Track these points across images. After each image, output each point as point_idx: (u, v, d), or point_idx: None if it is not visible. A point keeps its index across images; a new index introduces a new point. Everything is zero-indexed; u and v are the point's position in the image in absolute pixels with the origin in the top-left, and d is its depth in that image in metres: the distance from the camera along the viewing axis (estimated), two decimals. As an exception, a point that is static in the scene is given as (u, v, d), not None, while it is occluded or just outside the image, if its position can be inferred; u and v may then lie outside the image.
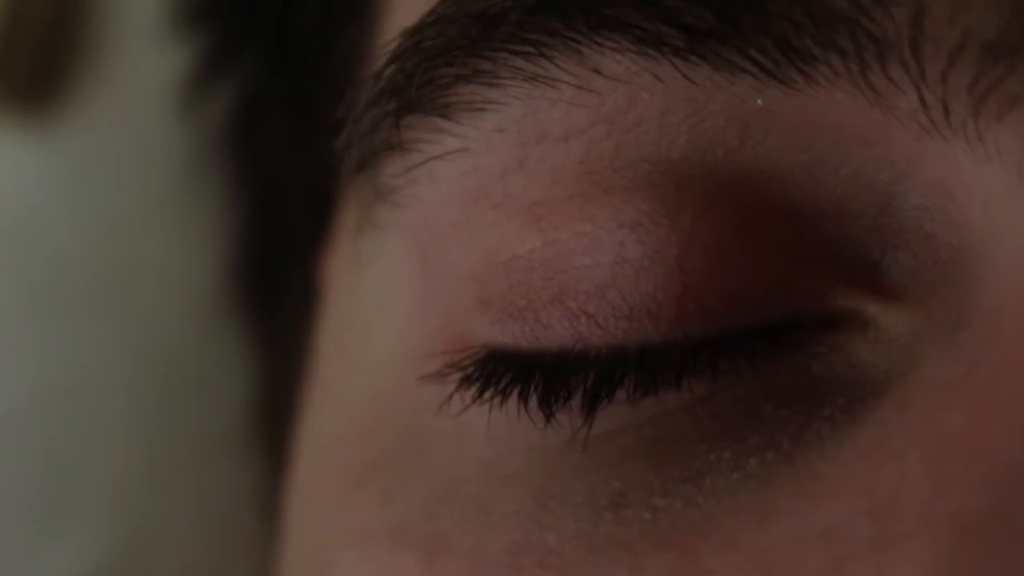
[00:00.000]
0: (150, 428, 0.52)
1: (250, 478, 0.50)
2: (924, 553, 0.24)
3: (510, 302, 0.29)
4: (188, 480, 0.53)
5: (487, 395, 0.29)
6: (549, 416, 0.29)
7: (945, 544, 0.24)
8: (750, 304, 0.28)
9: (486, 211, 0.29)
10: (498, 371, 0.29)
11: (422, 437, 0.30)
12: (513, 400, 0.29)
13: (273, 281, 0.48)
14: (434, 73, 0.28)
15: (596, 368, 0.28)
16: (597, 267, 0.28)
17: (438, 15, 0.28)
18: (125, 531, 0.52)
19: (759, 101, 0.27)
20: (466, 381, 0.29)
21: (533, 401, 0.29)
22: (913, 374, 0.26)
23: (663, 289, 0.28)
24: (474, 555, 0.28)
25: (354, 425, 0.32)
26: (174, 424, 0.53)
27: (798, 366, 0.28)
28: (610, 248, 0.28)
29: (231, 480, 0.52)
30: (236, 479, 0.52)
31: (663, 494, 0.27)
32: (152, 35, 0.50)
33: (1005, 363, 0.24)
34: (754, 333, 0.28)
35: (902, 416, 0.25)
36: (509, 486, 0.29)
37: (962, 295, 0.26)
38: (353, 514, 0.31)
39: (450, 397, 0.30)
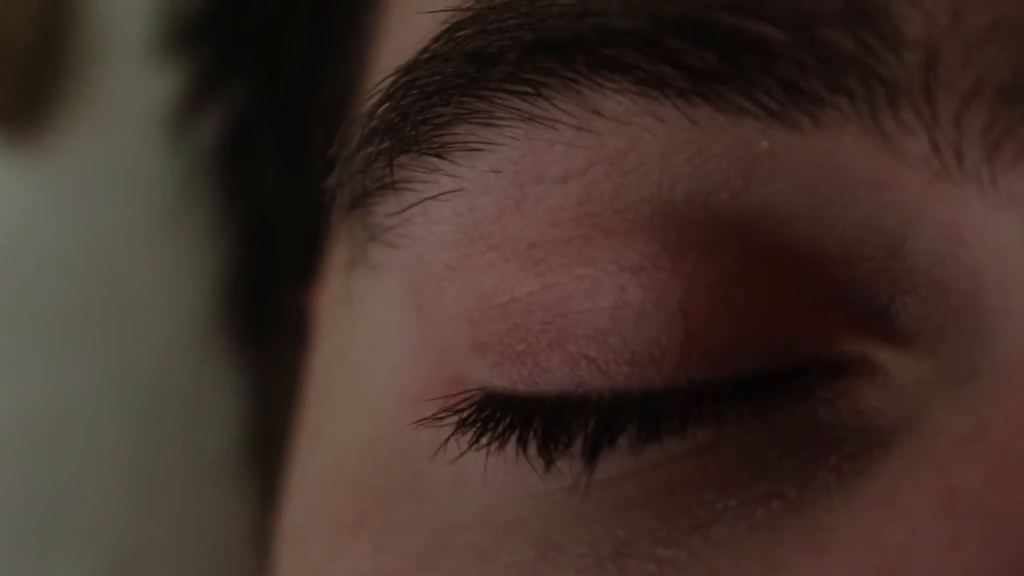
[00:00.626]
0: (136, 456, 0.52)
1: (237, 508, 0.50)
2: None
3: (508, 345, 0.28)
4: (174, 509, 0.52)
5: (484, 440, 0.28)
6: (549, 463, 0.28)
7: None
8: (755, 349, 0.27)
9: (482, 252, 0.29)
10: (495, 415, 0.29)
11: (417, 483, 0.30)
12: (511, 446, 0.28)
13: (262, 310, 0.47)
14: (429, 112, 0.28)
15: (597, 414, 0.28)
16: (598, 311, 0.27)
17: (433, 52, 0.28)
18: (111, 559, 0.52)
19: (764, 143, 0.26)
20: (463, 425, 0.29)
21: (532, 447, 0.28)
22: (924, 425, 0.25)
23: (666, 335, 0.27)
24: None
25: (346, 469, 0.32)
26: (160, 452, 0.52)
27: (804, 413, 0.27)
28: (611, 292, 0.27)
29: (217, 510, 0.52)
30: (222, 509, 0.51)
31: (668, 544, 0.27)
32: (141, 58, 0.50)
33: (1020, 419, 0.24)
34: (759, 379, 0.27)
35: (913, 469, 0.25)
36: (509, 534, 0.28)
37: (974, 344, 0.25)
38: (345, 561, 0.30)
39: (446, 442, 0.29)
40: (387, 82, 0.28)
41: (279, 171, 0.45)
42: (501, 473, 0.29)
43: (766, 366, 0.27)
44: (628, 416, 0.27)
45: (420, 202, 0.29)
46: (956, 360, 0.26)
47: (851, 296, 0.27)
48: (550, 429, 0.28)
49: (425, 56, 0.28)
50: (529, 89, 0.27)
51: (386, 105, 0.28)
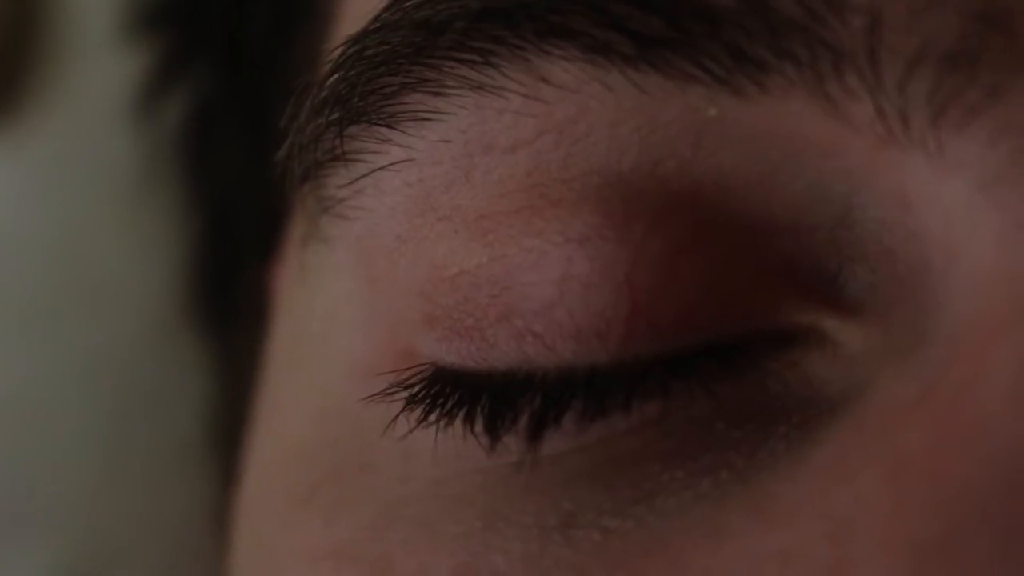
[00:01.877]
0: (103, 440, 0.52)
1: (205, 492, 0.49)
2: None
3: (457, 320, 0.28)
4: (141, 493, 0.52)
5: (432, 417, 0.28)
6: (495, 440, 0.28)
7: (902, 568, 0.23)
8: (702, 321, 0.27)
9: (432, 223, 0.28)
10: (444, 391, 0.29)
11: (367, 457, 0.30)
12: (459, 423, 0.28)
13: (227, 293, 0.47)
14: (378, 82, 0.28)
15: (543, 391, 0.27)
16: (544, 284, 0.27)
17: (382, 22, 0.28)
18: (78, 543, 0.51)
19: (712, 111, 0.26)
20: (412, 401, 0.29)
21: (479, 424, 0.28)
22: (870, 392, 0.25)
23: (612, 307, 0.27)
24: None
25: (299, 442, 0.32)
26: (127, 436, 0.52)
27: (752, 384, 0.27)
28: (557, 264, 0.27)
29: (185, 493, 0.52)
30: (190, 493, 0.51)
31: (614, 514, 0.26)
32: (105, 44, 0.50)
33: (964, 384, 0.24)
34: (707, 352, 0.27)
35: (858, 436, 0.25)
36: (456, 507, 0.28)
37: (921, 312, 0.25)
38: (297, 534, 0.30)
39: (395, 418, 0.29)
40: (336, 52, 0.28)
41: (243, 153, 0.45)
42: (449, 448, 0.29)
43: (713, 337, 0.27)
44: (573, 393, 0.27)
45: (370, 173, 0.29)
46: (903, 328, 0.26)
47: (799, 266, 0.27)
48: (496, 406, 0.28)
49: (374, 26, 0.28)
50: (477, 57, 0.27)
51: (336, 75, 0.28)
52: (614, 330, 0.27)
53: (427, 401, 0.29)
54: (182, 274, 0.50)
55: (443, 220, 0.28)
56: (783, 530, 0.24)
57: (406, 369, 0.29)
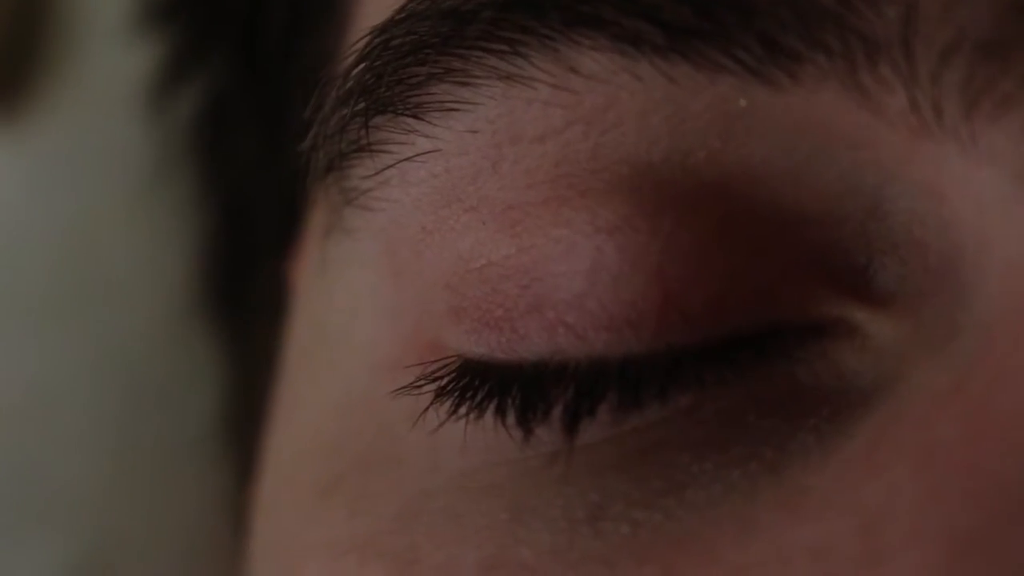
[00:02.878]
0: (114, 435, 0.52)
1: (216, 486, 0.49)
2: (914, 570, 0.23)
3: (485, 311, 0.28)
4: (153, 488, 0.52)
5: (463, 410, 0.28)
6: (528, 432, 0.28)
7: (936, 561, 0.23)
8: (734, 311, 0.27)
9: (459, 215, 0.28)
10: (473, 384, 0.28)
11: (393, 448, 0.30)
12: (490, 415, 0.28)
13: (242, 286, 0.47)
14: (404, 72, 0.27)
15: (576, 382, 0.27)
16: (574, 274, 0.27)
17: (408, 12, 0.27)
18: (89, 539, 0.51)
19: (742, 101, 0.26)
20: (441, 394, 0.29)
21: (511, 416, 0.28)
22: (902, 384, 0.25)
23: (643, 298, 0.27)
24: (446, 569, 0.28)
25: (322, 435, 0.31)
26: (138, 431, 0.52)
27: (783, 374, 0.27)
28: (587, 254, 0.27)
29: (197, 488, 0.52)
30: (202, 487, 0.51)
31: (643, 506, 0.26)
32: (118, 35, 0.50)
33: (999, 375, 0.24)
34: (739, 341, 0.27)
35: (891, 428, 0.24)
36: (483, 498, 0.28)
37: (953, 303, 0.25)
38: (320, 526, 0.30)
39: (425, 411, 0.29)
40: (362, 42, 0.28)
41: (257, 145, 0.45)
42: (479, 440, 0.28)
43: (744, 328, 0.27)
44: (607, 383, 0.27)
45: (396, 164, 0.29)
46: (935, 319, 0.26)
47: (829, 257, 0.27)
48: (528, 398, 0.28)
49: (401, 15, 0.28)
50: (505, 47, 0.27)
51: (361, 66, 0.28)
52: (647, 320, 0.27)
53: (456, 393, 0.28)
54: (195, 268, 0.50)
55: (470, 211, 0.28)
56: (814, 523, 0.24)
57: (434, 361, 0.29)
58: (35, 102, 0.52)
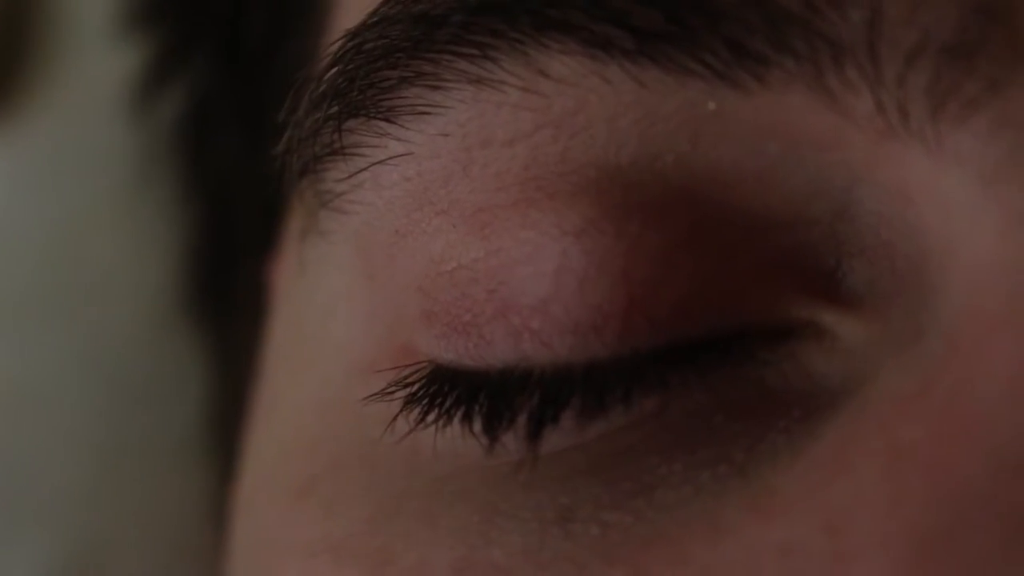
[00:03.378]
0: (100, 434, 0.52)
1: (202, 486, 0.49)
2: (880, 570, 0.23)
3: (455, 316, 0.28)
4: (138, 487, 0.52)
5: (431, 418, 0.28)
6: (493, 440, 0.28)
7: (901, 561, 0.23)
8: (701, 315, 0.27)
9: (431, 218, 0.28)
10: (443, 390, 0.29)
11: (368, 451, 0.30)
12: (457, 423, 0.28)
13: (225, 287, 0.47)
14: (376, 76, 0.28)
15: (541, 389, 0.27)
16: (540, 276, 0.27)
17: (380, 16, 0.28)
18: (76, 538, 0.51)
19: (711, 104, 0.26)
20: (411, 401, 0.29)
21: (477, 424, 0.28)
22: (870, 386, 0.25)
23: (609, 301, 0.27)
24: (419, 570, 0.28)
25: (298, 436, 0.32)
26: (124, 430, 0.52)
27: (751, 377, 0.27)
28: (553, 256, 0.27)
29: (182, 488, 0.51)
30: (187, 487, 0.51)
31: (613, 508, 0.26)
32: (102, 36, 0.50)
33: (963, 378, 0.24)
34: (704, 344, 0.27)
35: (858, 429, 0.25)
36: (456, 502, 0.28)
37: (920, 305, 0.25)
38: (296, 527, 0.30)
39: (395, 419, 0.29)
40: (335, 46, 0.28)
41: (240, 146, 0.45)
42: (448, 447, 0.29)
43: (712, 331, 0.27)
44: (572, 390, 0.27)
45: (369, 167, 0.29)
46: (902, 321, 0.26)
47: (798, 260, 0.27)
48: (494, 405, 0.28)
49: (373, 20, 0.28)
50: (475, 51, 0.27)
51: (334, 69, 0.28)
52: (611, 324, 0.27)
53: (425, 400, 0.29)
54: (178, 268, 0.50)
55: (441, 214, 0.28)
56: (782, 523, 0.24)
57: (406, 366, 0.29)
58: (20, 103, 0.52)
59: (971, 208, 0.24)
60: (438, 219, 0.28)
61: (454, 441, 0.28)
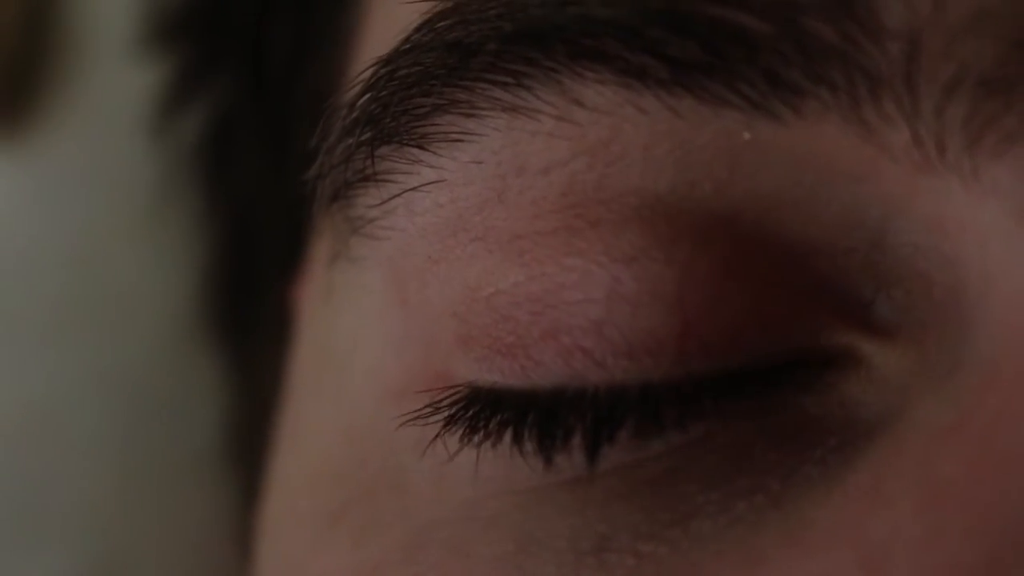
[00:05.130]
0: (119, 451, 0.52)
1: (221, 503, 0.49)
2: None
3: (496, 338, 0.28)
4: (156, 504, 0.52)
5: (477, 439, 0.28)
6: (548, 460, 0.28)
7: None
8: (751, 341, 0.27)
9: (465, 244, 0.28)
10: (485, 412, 0.28)
11: (399, 478, 0.30)
12: (507, 443, 0.28)
13: (246, 307, 0.47)
14: (410, 103, 0.28)
15: (595, 408, 0.27)
16: (591, 303, 0.27)
17: (413, 43, 0.28)
18: (94, 555, 0.51)
19: (746, 134, 0.26)
20: (450, 423, 0.29)
21: (529, 444, 0.28)
22: (906, 418, 0.25)
23: (663, 326, 0.27)
24: None
25: (327, 463, 0.32)
26: (143, 448, 0.52)
27: (791, 405, 0.27)
28: (603, 283, 0.27)
29: (201, 506, 0.51)
30: (206, 505, 0.51)
31: (648, 538, 0.26)
32: (124, 55, 0.50)
33: (1001, 412, 0.24)
34: (754, 372, 0.27)
35: (895, 462, 0.25)
36: (490, 529, 0.28)
37: (957, 337, 0.25)
38: (326, 554, 0.30)
39: (433, 441, 0.29)
40: (368, 72, 0.28)
41: (262, 167, 0.45)
42: (490, 470, 0.28)
43: (760, 357, 0.27)
44: (626, 409, 0.27)
45: (401, 193, 0.29)
46: (939, 352, 0.26)
47: (835, 288, 0.27)
48: (547, 424, 0.28)
49: (406, 47, 0.28)
50: (510, 79, 0.27)
51: (367, 96, 0.28)
52: (666, 348, 0.27)
53: (466, 422, 0.28)
54: (200, 287, 0.50)
55: (476, 240, 0.28)
56: (818, 557, 0.24)
57: (442, 389, 0.29)
58: (42, 120, 0.52)
59: (1008, 241, 0.24)
60: (473, 245, 0.28)
61: (499, 464, 0.28)
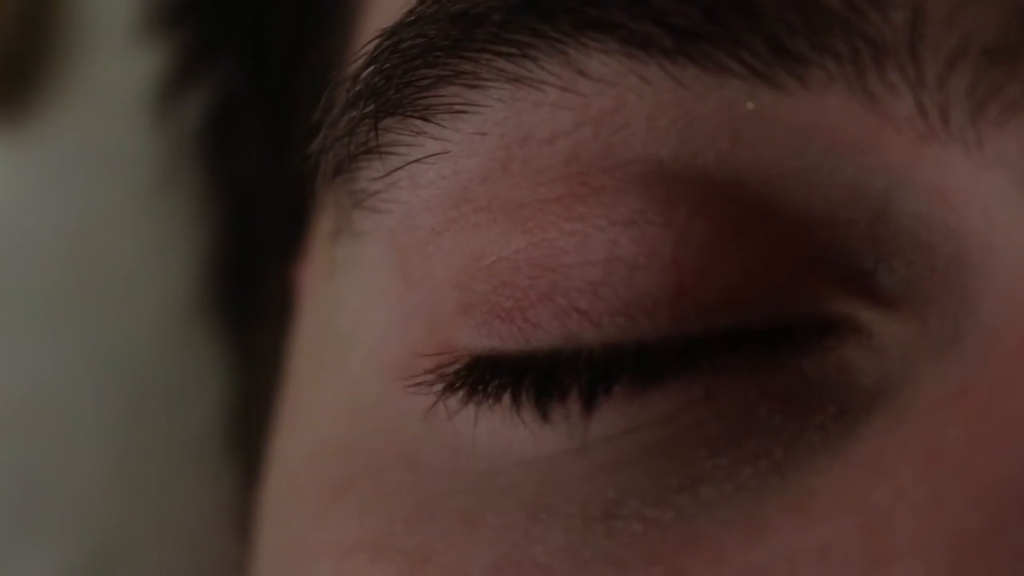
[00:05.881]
0: (119, 437, 0.52)
1: (221, 490, 0.49)
2: (919, 572, 0.23)
3: (495, 303, 0.28)
4: (156, 491, 0.52)
5: (476, 400, 0.28)
6: (545, 417, 0.28)
7: (940, 564, 0.23)
8: (747, 305, 0.27)
9: (469, 215, 0.28)
10: (485, 377, 0.28)
11: (408, 450, 0.30)
12: (506, 403, 0.28)
13: (247, 289, 0.47)
14: (414, 74, 0.28)
15: (591, 367, 0.27)
16: (588, 265, 0.27)
17: (418, 15, 0.28)
18: (92, 541, 0.51)
19: (750, 104, 0.26)
20: (451, 389, 0.29)
21: (527, 403, 0.28)
22: (908, 386, 0.25)
23: (659, 287, 0.27)
24: (458, 568, 0.28)
25: (331, 438, 0.32)
26: (143, 434, 0.52)
27: (792, 369, 0.27)
28: (602, 246, 0.27)
29: (201, 491, 0.51)
30: (206, 490, 0.51)
31: (656, 503, 0.26)
32: (124, 39, 0.50)
33: (1003, 380, 0.24)
34: (751, 334, 0.27)
35: (897, 430, 0.25)
36: (501, 498, 0.28)
37: (959, 306, 0.25)
38: (330, 528, 0.30)
39: (433, 405, 0.29)
40: (371, 45, 0.28)
41: (263, 151, 0.45)
42: (497, 439, 0.29)
43: (757, 321, 0.27)
44: (622, 366, 0.27)
45: (404, 165, 0.29)
46: (941, 322, 0.26)
47: (837, 257, 0.27)
48: (543, 385, 0.28)
49: (410, 19, 0.28)
50: (514, 50, 0.27)
51: (371, 68, 0.28)
52: (662, 308, 0.27)
53: (467, 387, 0.29)
54: (201, 271, 0.50)
55: (480, 211, 0.28)
56: (821, 525, 0.24)
57: (443, 354, 0.29)
58: (42, 106, 0.52)
59: (1010, 210, 0.24)
60: (476, 216, 0.28)
61: (502, 427, 0.28)
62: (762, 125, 0.26)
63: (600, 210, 0.27)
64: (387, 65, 0.28)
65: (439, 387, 0.29)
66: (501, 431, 0.28)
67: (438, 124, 0.28)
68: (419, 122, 0.28)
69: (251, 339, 0.47)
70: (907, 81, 0.25)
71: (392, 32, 0.28)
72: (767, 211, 0.27)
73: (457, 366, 0.29)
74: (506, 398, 0.28)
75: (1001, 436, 0.23)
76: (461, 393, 0.29)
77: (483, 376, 0.28)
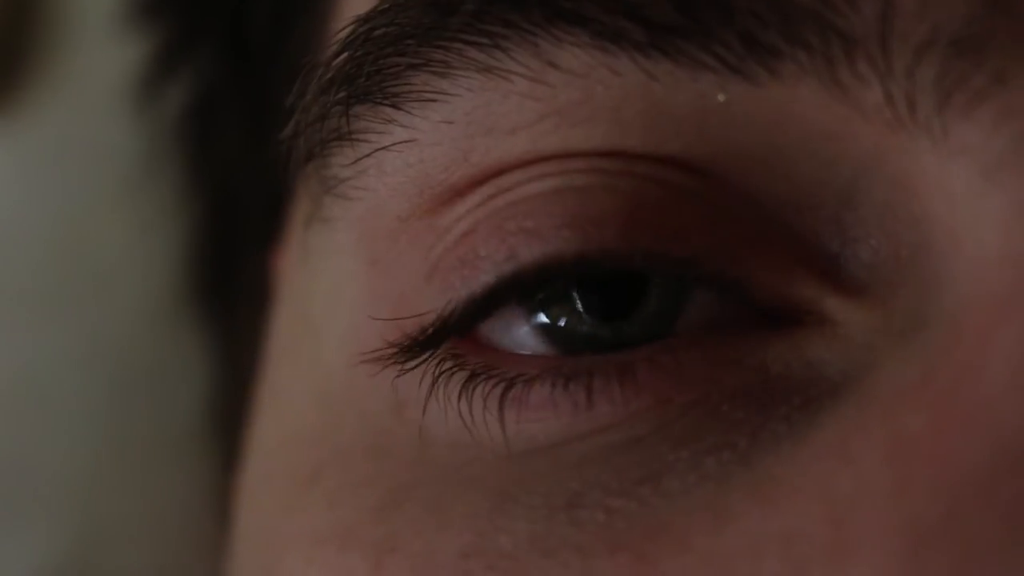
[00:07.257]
0: (102, 425, 0.52)
1: (203, 479, 0.49)
2: (880, 559, 0.23)
3: (453, 258, 0.29)
4: (140, 478, 0.52)
5: (439, 389, 0.29)
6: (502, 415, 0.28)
7: (901, 550, 0.23)
8: (706, 249, 0.27)
9: (430, 201, 0.29)
10: (451, 357, 0.29)
11: (376, 441, 0.30)
12: (472, 394, 0.29)
13: (229, 279, 0.47)
14: (385, 62, 0.28)
15: (533, 277, 0.28)
16: (541, 196, 0.28)
17: (392, 2, 0.28)
18: (76, 529, 0.51)
19: (720, 96, 0.26)
20: (413, 357, 0.29)
21: (492, 397, 0.28)
22: (872, 375, 0.25)
23: (613, 211, 0.27)
24: (424, 557, 0.28)
25: (303, 426, 0.32)
26: (126, 421, 0.52)
27: (755, 363, 0.27)
28: (555, 181, 0.28)
29: (184, 480, 0.51)
30: (190, 479, 0.51)
31: (619, 494, 0.27)
32: (105, 29, 0.50)
33: (965, 368, 0.24)
34: (712, 327, 0.27)
35: (860, 418, 0.25)
36: (467, 489, 0.28)
37: (923, 294, 0.25)
38: (301, 517, 0.30)
39: (384, 367, 0.30)
40: (345, 32, 0.28)
41: (244, 139, 0.45)
42: (464, 432, 0.29)
43: (715, 273, 0.27)
44: (562, 272, 0.28)
45: (372, 153, 0.29)
46: (904, 310, 0.26)
47: (802, 240, 0.27)
48: (483, 308, 0.29)
49: (384, 6, 0.28)
50: (486, 40, 0.27)
51: (343, 55, 0.28)
52: (611, 222, 0.27)
53: (432, 372, 0.29)
54: (183, 260, 0.50)
55: (438, 197, 0.29)
56: (785, 512, 0.25)
57: (408, 334, 0.29)
58: (24, 96, 0.52)
59: (975, 199, 0.25)
60: (437, 202, 0.29)
61: (468, 420, 0.29)
62: (730, 116, 0.27)
63: (558, 166, 0.28)
64: (359, 52, 0.28)
65: (403, 359, 0.29)
66: (467, 424, 0.29)
67: (407, 112, 0.28)
68: (389, 109, 0.28)
69: (233, 327, 0.47)
70: (876, 72, 0.25)
71: (366, 19, 0.28)
72: (731, 191, 0.27)
73: (421, 339, 0.29)
74: (473, 390, 0.28)
75: (963, 424, 0.24)
76: (427, 380, 0.29)
77: (433, 336, 0.29)
